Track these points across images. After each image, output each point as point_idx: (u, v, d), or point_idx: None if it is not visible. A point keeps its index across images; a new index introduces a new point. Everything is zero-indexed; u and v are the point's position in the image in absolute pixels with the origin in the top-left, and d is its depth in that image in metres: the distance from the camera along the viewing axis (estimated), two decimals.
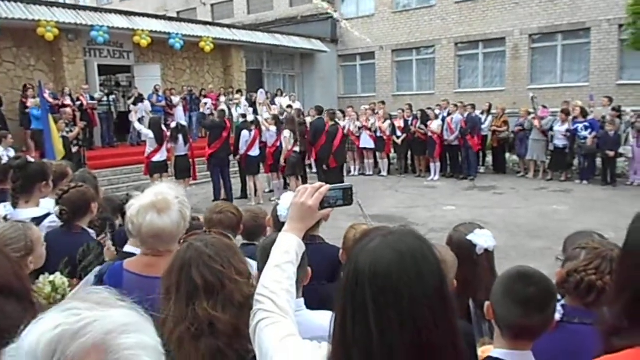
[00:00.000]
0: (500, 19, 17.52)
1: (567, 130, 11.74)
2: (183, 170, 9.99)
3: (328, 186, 1.42)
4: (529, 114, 12.59)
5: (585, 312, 1.70)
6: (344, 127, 13.91)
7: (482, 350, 2.01)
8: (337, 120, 11.55)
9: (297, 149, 10.51)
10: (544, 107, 13.06)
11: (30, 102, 11.65)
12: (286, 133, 10.36)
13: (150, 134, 9.55)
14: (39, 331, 0.72)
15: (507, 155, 13.56)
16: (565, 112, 11.98)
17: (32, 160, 3.64)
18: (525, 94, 14.81)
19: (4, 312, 1.05)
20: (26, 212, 3.26)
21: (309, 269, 1.69)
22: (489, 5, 17.78)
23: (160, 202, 1.88)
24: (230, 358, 1.43)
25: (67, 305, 0.75)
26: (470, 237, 2.26)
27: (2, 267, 1.13)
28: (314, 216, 1.40)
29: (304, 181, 11.19)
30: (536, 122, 12.17)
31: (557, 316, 1.65)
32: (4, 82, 12.95)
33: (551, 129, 12.10)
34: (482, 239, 2.26)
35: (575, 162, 12.15)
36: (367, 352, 0.97)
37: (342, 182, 10.42)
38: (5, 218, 3.11)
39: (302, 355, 1.15)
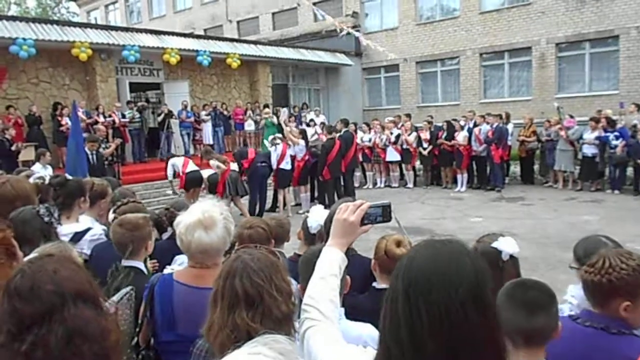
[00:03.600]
0: (526, 28, 17.39)
1: (597, 138, 11.57)
2: (214, 184, 10.16)
3: (369, 203, 1.50)
4: (558, 123, 12.44)
5: (600, 316, 1.77)
6: (369, 140, 14.08)
7: None
8: (334, 133, 11.66)
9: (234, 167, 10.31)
10: (571, 116, 12.88)
11: (63, 121, 12.08)
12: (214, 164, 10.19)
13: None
14: None
15: (536, 166, 13.41)
16: (595, 120, 11.81)
17: (70, 178, 3.81)
18: (553, 104, 14.62)
19: (84, 317, 1.15)
20: (69, 228, 3.42)
21: (348, 277, 1.77)
22: (514, 15, 17.69)
23: (207, 220, 1.99)
24: None
25: (256, 349, 0.82)
26: (494, 244, 2.32)
27: (78, 275, 1.22)
28: (356, 232, 1.48)
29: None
30: (562, 133, 12.02)
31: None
32: (41, 101, 13.46)
33: (580, 138, 11.94)
34: (506, 245, 2.31)
35: (606, 171, 11.94)
36: (399, 344, 1.00)
37: (337, 193, 10.52)
38: None
39: (348, 359, 1.23)
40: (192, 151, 15.02)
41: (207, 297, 1.59)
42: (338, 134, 11.58)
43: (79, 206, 3.56)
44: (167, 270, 2.60)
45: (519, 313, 1.62)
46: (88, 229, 3.39)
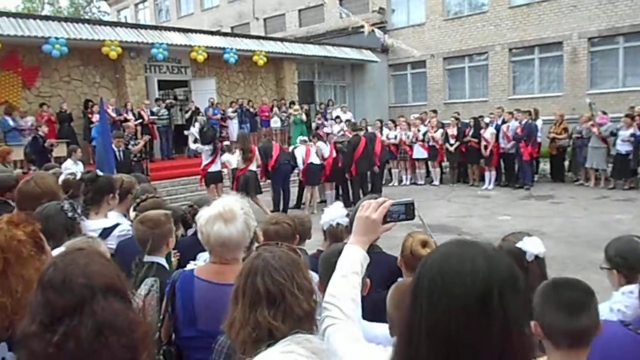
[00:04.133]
0: (557, 22, 17.00)
1: (632, 135, 11.23)
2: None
3: (391, 201, 1.48)
4: (589, 119, 12.12)
5: None
6: (395, 137, 13.99)
7: None
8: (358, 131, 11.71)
9: (252, 167, 10.05)
10: (604, 113, 12.54)
11: (94, 118, 12.35)
12: (235, 154, 10.05)
13: (206, 147, 9.89)
14: None
15: (566, 163, 13.11)
16: (630, 117, 11.47)
17: (100, 174, 3.89)
18: (584, 100, 14.27)
19: (113, 309, 1.18)
20: (97, 223, 3.48)
21: (368, 280, 1.76)
22: (545, 10, 17.30)
23: (227, 213, 2.01)
24: None
25: (289, 347, 0.83)
26: (519, 244, 2.27)
27: (107, 269, 1.26)
28: (378, 230, 1.46)
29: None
30: (595, 129, 11.71)
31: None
32: (72, 98, 13.77)
33: (612, 134, 11.62)
34: (531, 245, 2.26)
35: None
36: (413, 346, 0.99)
37: (363, 191, 10.45)
38: None
39: (369, 358, 1.22)
40: None
41: (227, 293, 1.60)
42: (363, 132, 11.57)
43: (108, 202, 3.63)
44: (189, 266, 2.63)
45: (560, 314, 1.57)
46: (117, 225, 3.45)
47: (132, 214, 3.25)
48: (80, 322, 1.14)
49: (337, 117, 15.96)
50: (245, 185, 9.64)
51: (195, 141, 10.93)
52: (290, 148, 11.54)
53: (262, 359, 0.81)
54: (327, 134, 13.64)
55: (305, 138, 11.65)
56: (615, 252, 2.12)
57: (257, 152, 10.04)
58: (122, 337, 1.16)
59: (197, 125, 10.71)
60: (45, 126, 11.57)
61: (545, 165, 13.78)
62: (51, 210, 2.52)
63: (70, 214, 2.54)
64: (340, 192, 11.38)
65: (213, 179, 10.14)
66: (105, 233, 3.40)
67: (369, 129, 13.15)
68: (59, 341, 1.13)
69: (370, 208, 1.46)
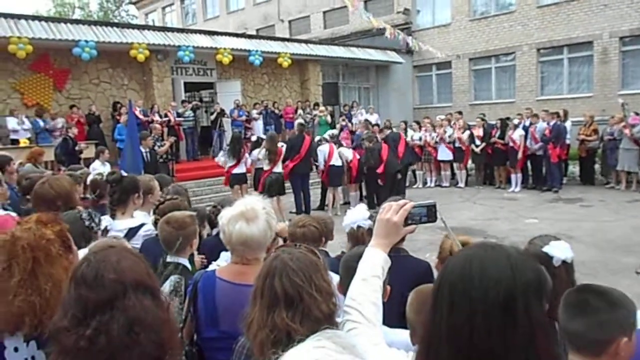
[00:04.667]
0: (587, 22, 16.64)
1: None
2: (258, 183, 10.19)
3: (412, 203, 1.46)
4: (622, 121, 11.81)
5: None
6: (420, 138, 13.86)
7: None
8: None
9: (277, 169, 9.90)
10: (636, 113, 12.20)
11: (122, 119, 12.57)
12: (262, 153, 9.91)
13: (225, 157, 10.14)
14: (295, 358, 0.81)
15: (596, 166, 12.80)
16: None
17: (125, 174, 3.95)
18: (615, 100, 13.91)
19: (144, 306, 1.21)
20: (124, 223, 3.55)
21: (388, 287, 1.73)
22: (574, 9, 16.94)
23: (249, 212, 2.02)
24: None
25: (320, 342, 0.84)
26: (545, 249, 2.21)
27: (138, 266, 1.29)
28: (399, 232, 1.45)
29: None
30: (627, 131, 11.41)
31: None
32: (101, 100, 14.06)
33: None
34: (558, 250, 2.19)
35: None
36: (433, 350, 0.98)
37: (392, 191, 10.31)
38: (106, 229, 3.40)
39: None
40: None
41: (248, 294, 1.59)
42: (385, 134, 11.52)
43: (134, 202, 3.69)
44: (212, 266, 2.65)
45: (563, 313, 1.57)
46: (142, 225, 3.51)
47: (151, 216, 3.29)
48: (112, 317, 1.17)
49: (366, 120, 15.72)
50: (270, 187, 9.67)
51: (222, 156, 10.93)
52: (316, 139, 11.53)
53: (294, 353, 0.81)
54: (352, 132, 13.61)
55: (334, 132, 11.60)
56: None
57: (283, 153, 10.07)
58: (151, 333, 1.18)
59: (225, 149, 10.72)
60: (75, 128, 11.82)
61: (574, 168, 13.49)
62: (70, 218, 2.57)
63: (87, 223, 2.60)
64: (365, 193, 11.32)
65: (237, 181, 10.21)
66: (132, 233, 3.46)
67: (394, 129, 13.02)
68: (91, 335, 1.15)
69: (391, 210, 1.44)
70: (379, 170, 10.37)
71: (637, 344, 1.54)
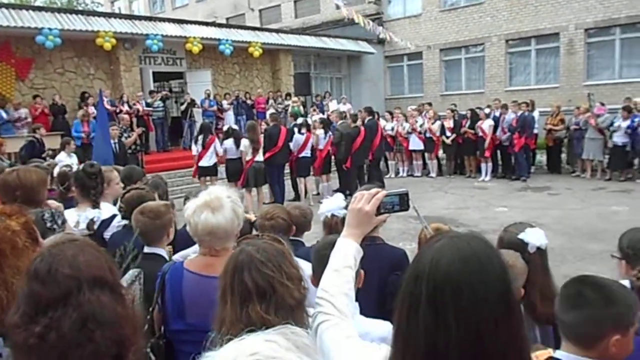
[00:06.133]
0: (554, 13, 16.94)
1: (629, 127, 11.22)
2: (233, 174, 10.07)
3: (384, 192, 1.43)
4: (587, 111, 12.11)
5: None
6: (392, 129, 13.95)
7: (536, 355, 1.98)
8: (358, 121, 11.57)
9: (259, 157, 9.93)
10: (601, 104, 12.54)
11: (90, 110, 12.23)
12: (245, 142, 9.86)
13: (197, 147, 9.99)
14: (236, 352, 0.75)
15: (563, 155, 13.11)
16: (627, 109, 11.45)
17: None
18: (581, 91, 14.27)
19: (101, 302, 1.16)
20: (103, 213, 3.51)
21: (362, 271, 1.72)
22: (541, 1, 17.21)
23: (214, 201, 1.98)
24: None
25: (270, 336, 0.79)
26: (521, 236, 2.24)
27: (97, 261, 1.24)
28: (371, 222, 1.41)
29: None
30: (592, 121, 11.71)
31: None
32: (66, 91, 13.66)
33: (610, 126, 11.62)
34: (533, 237, 2.22)
35: (636, 161, 11.61)
36: (415, 351, 0.95)
37: (360, 183, 10.40)
38: (79, 223, 3.32)
39: (362, 355, 1.18)
40: None
41: (215, 286, 1.57)
42: (362, 123, 11.51)
43: (103, 194, 3.65)
44: (176, 256, 2.61)
45: (559, 302, 1.57)
46: (114, 216, 3.45)
47: (117, 206, 3.25)
48: (64, 314, 1.12)
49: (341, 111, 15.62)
50: (256, 177, 9.62)
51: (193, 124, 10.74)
52: (298, 121, 11.49)
53: (242, 343, 0.77)
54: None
55: (310, 122, 11.61)
56: (628, 242, 2.07)
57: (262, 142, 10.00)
58: (108, 330, 1.14)
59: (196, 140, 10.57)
60: (43, 129, 11.23)
61: (542, 157, 13.78)
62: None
63: (49, 224, 2.52)
64: (340, 184, 11.34)
65: (206, 172, 10.14)
66: (105, 224, 3.40)
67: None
68: (41, 332, 1.11)
69: (363, 200, 1.40)
70: (347, 164, 10.67)
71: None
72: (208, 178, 10.33)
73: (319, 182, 11.51)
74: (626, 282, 1.87)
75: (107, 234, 3.35)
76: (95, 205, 3.51)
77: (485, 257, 0.95)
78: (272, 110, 15.97)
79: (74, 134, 11.66)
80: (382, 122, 13.93)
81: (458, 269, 0.94)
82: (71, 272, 1.17)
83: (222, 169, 10.62)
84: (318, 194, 11.33)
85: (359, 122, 11.30)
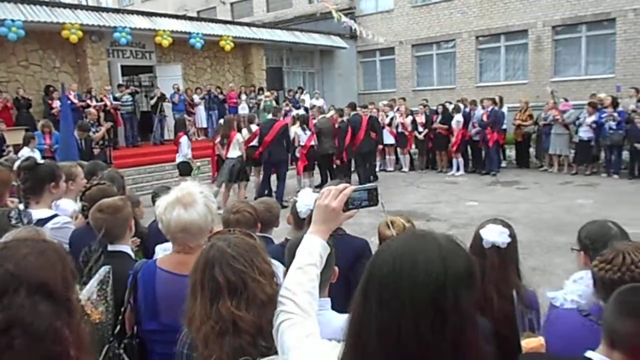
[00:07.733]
0: (522, 10, 17.22)
1: (594, 122, 11.50)
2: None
3: (352, 187, 1.40)
4: (554, 107, 12.36)
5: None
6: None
7: (527, 343, 1.99)
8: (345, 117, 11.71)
9: (233, 154, 9.55)
10: (565, 100, 12.82)
11: (54, 104, 11.88)
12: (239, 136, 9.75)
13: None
14: None
15: (531, 149, 13.36)
16: (592, 105, 11.72)
17: (42, 161, 3.55)
18: (546, 88, 14.54)
19: (37, 311, 1.06)
20: (35, 214, 3.10)
21: (336, 268, 1.70)
22: None
23: (186, 197, 1.94)
24: (254, 356, 1.44)
25: None
26: (481, 230, 2.25)
27: (52, 268, 1.14)
28: (339, 218, 1.39)
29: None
30: (557, 116, 11.97)
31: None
32: (31, 84, 13.25)
33: (576, 121, 11.88)
34: (489, 233, 2.23)
35: (601, 155, 11.91)
36: (361, 345, 0.95)
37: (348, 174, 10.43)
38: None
39: (319, 354, 1.17)
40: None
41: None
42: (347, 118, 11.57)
43: (50, 191, 3.27)
44: (158, 248, 2.54)
45: (612, 306, 1.43)
46: (53, 216, 3.14)
47: (78, 203, 3.07)
48: None
49: (314, 106, 15.52)
50: (230, 173, 9.36)
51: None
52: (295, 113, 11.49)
53: None
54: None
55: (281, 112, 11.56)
56: (586, 234, 2.11)
57: (236, 138, 9.62)
58: (36, 342, 1.03)
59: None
60: (3, 124, 10.85)
61: (511, 152, 14.03)
62: None
63: (14, 222, 2.41)
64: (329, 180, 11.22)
65: (183, 170, 9.92)
66: (39, 224, 3.14)
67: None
68: None
69: (330, 195, 1.37)
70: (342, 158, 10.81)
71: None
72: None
73: (300, 179, 11.31)
74: (585, 273, 1.89)
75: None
76: (27, 203, 3.19)
77: (423, 259, 0.93)
78: (244, 105, 15.87)
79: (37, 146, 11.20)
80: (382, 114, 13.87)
81: (391, 261, 0.95)
82: (14, 270, 1.07)
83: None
84: (299, 191, 11.13)
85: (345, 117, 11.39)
